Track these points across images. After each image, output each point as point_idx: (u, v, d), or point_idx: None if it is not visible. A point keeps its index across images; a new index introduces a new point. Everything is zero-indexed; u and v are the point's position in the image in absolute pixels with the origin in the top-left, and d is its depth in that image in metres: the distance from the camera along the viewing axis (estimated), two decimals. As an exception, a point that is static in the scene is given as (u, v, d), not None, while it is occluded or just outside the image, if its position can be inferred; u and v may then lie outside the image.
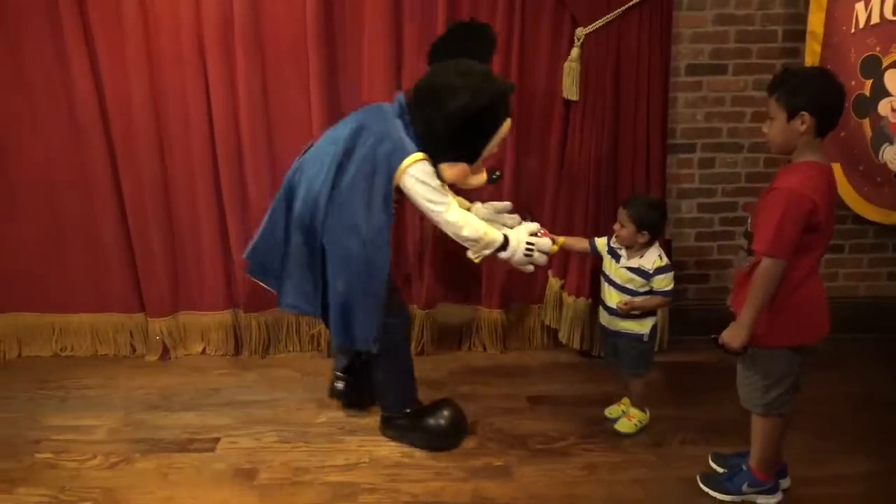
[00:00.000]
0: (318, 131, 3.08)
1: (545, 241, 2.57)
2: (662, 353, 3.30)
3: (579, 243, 2.78)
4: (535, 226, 2.61)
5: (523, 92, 3.09)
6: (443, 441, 2.67)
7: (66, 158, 3.17)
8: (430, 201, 2.38)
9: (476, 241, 2.46)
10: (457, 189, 2.68)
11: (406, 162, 2.34)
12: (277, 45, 3.07)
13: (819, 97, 2.00)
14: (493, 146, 2.46)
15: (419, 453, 2.65)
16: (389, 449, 2.68)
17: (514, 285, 3.37)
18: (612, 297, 2.69)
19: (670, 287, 2.62)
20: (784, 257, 2.01)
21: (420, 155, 2.36)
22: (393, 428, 2.72)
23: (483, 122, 2.36)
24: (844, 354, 3.24)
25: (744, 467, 2.36)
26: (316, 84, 3.07)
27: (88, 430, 2.82)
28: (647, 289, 2.63)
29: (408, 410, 2.70)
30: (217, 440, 2.74)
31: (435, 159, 2.40)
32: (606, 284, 2.71)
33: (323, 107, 3.09)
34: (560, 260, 3.23)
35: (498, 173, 2.67)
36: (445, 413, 2.68)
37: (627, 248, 2.66)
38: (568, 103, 3.12)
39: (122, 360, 3.40)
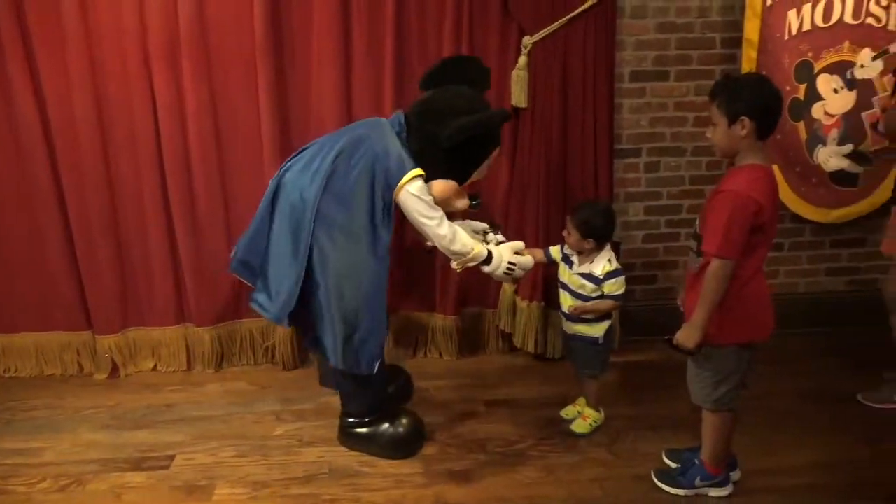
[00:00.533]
0: (268, 141, 3.09)
1: (527, 260, 2.66)
2: (614, 353, 3.36)
3: (536, 255, 2.81)
4: (520, 244, 2.69)
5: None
6: (402, 449, 2.67)
7: (7, 173, 3.08)
8: (424, 215, 2.45)
9: (464, 254, 2.53)
10: None
11: (405, 178, 2.41)
12: (225, 56, 3.04)
13: (758, 102, 2.08)
14: (481, 171, 2.58)
15: (379, 462, 2.64)
16: (349, 458, 2.67)
17: (468, 291, 3.40)
18: (566, 302, 2.74)
19: (621, 291, 2.68)
20: (733, 258, 2.09)
21: (418, 171, 2.43)
22: (351, 437, 2.71)
23: (481, 144, 2.49)
24: (787, 349, 3.36)
25: (696, 462, 2.43)
26: (265, 93, 3.05)
27: (37, 452, 2.73)
28: (598, 293, 2.68)
29: (367, 419, 2.69)
30: (172, 457, 2.69)
31: (427, 176, 2.47)
32: (562, 290, 2.76)
33: (272, 116, 3.07)
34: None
35: (478, 200, 2.76)
36: (404, 421, 2.69)
37: (578, 253, 2.71)
38: (517, 111, 3.16)
39: (69, 380, 3.30)
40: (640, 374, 3.28)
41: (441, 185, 2.49)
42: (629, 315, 3.45)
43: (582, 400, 2.89)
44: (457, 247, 2.50)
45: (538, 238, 3.19)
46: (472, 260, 2.55)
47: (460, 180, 2.54)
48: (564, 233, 2.72)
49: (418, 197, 2.42)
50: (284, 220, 2.50)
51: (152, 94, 3.03)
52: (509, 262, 2.59)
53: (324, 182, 2.43)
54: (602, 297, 2.68)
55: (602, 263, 2.66)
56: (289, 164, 2.59)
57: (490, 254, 2.58)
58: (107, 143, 3.08)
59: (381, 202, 2.43)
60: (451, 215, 2.74)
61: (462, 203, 2.62)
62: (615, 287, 2.66)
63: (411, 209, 2.44)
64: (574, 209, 2.72)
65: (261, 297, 2.59)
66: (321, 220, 2.43)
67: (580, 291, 2.69)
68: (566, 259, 2.75)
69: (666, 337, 2.24)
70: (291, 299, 2.49)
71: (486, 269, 2.59)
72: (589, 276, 2.67)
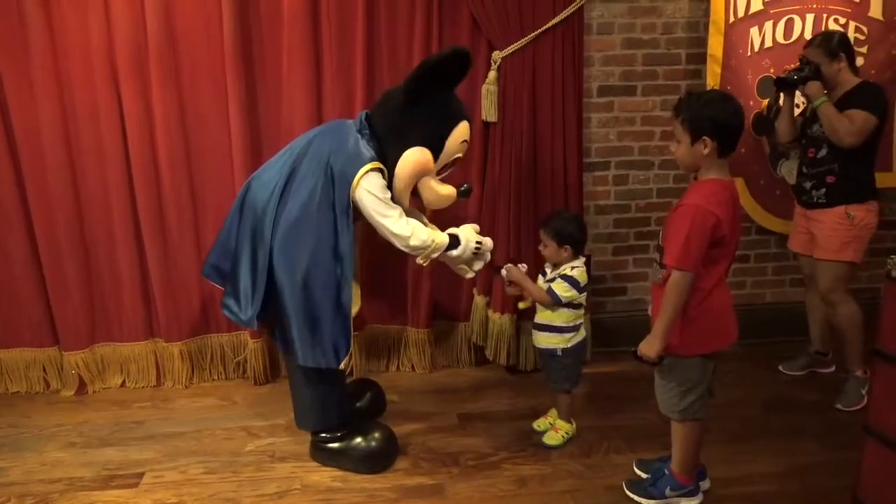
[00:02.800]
0: (238, 154, 3.09)
1: (488, 240, 2.69)
2: (586, 364, 3.39)
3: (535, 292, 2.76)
4: (476, 226, 2.70)
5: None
6: (375, 463, 2.66)
7: (-31, 187, 3.03)
8: (380, 213, 2.42)
9: (424, 248, 2.50)
10: (430, 214, 2.74)
11: (360, 173, 2.38)
12: (194, 68, 3.04)
13: (719, 121, 2.12)
14: (453, 144, 2.50)
15: (351, 477, 2.63)
16: (321, 474, 2.66)
17: (441, 304, 3.41)
18: (539, 314, 2.76)
19: (564, 294, 2.65)
20: (692, 270, 2.12)
21: (374, 164, 2.40)
22: (323, 452, 2.70)
23: (442, 101, 2.44)
24: (755, 358, 3.44)
25: (666, 472, 2.45)
26: (234, 106, 3.05)
27: (1, 472, 2.68)
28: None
29: (339, 434, 2.68)
30: (141, 475, 2.66)
31: (397, 151, 2.42)
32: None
33: (242, 129, 3.07)
34: (484, 277, 3.29)
35: (467, 185, 2.66)
36: (376, 435, 2.68)
37: (554, 266, 2.74)
38: (487, 125, 3.19)
39: (35, 397, 3.25)
40: (611, 385, 3.30)
41: (414, 158, 2.42)
42: (600, 326, 3.49)
43: (554, 412, 2.91)
44: (414, 242, 2.47)
45: (509, 250, 3.22)
46: (435, 250, 2.53)
47: (435, 149, 2.47)
48: (540, 247, 2.74)
49: (374, 195, 2.39)
50: (247, 224, 2.51)
51: (120, 107, 3.02)
52: (476, 243, 2.60)
53: (283, 185, 2.44)
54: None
55: (566, 268, 2.69)
56: (259, 169, 2.61)
57: (455, 237, 2.57)
58: (73, 156, 3.06)
59: (339, 200, 2.40)
60: (440, 211, 2.74)
61: (446, 190, 2.56)
62: (561, 288, 2.65)
63: (368, 207, 2.41)
64: (545, 221, 2.75)
65: (230, 302, 2.58)
66: (281, 222, 2.43)
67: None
68: (542, 272, 2.79)
69: (632, 349, 2.27)
70: (258, 302, 2.48)
71: (454, 252, 2.58)
72: (551, 279, 2.70)
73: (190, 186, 3.15)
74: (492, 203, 3.25)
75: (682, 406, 2.30)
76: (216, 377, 3.38)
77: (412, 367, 3.46)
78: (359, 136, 2.47)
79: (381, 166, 2.43)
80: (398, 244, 2.49)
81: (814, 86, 2.91)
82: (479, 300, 3.37)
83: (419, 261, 2.58)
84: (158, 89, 3.00)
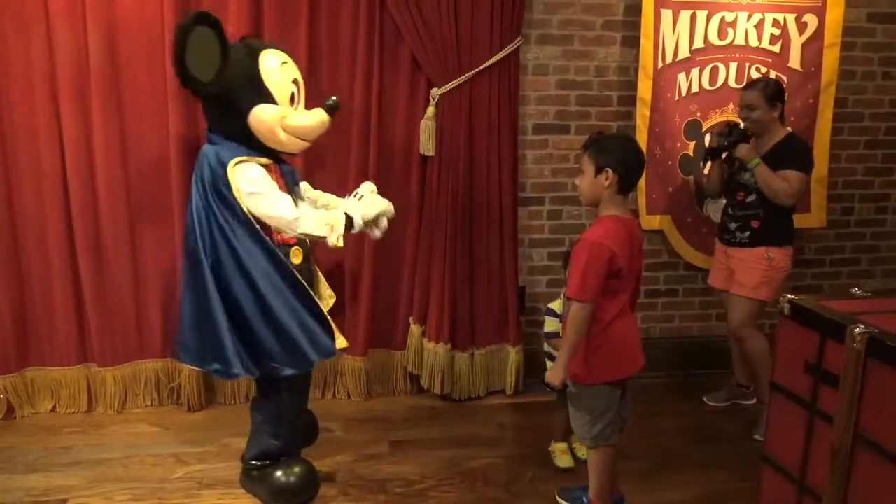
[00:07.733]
0: (177, 181, 3.11)
1: (373, 205, 2.58)
2: (518, 394, 3.50)
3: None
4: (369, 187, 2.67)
5: (383, 147, 3.26)
6: (290, 498, 2.63)
7: None
8: (256, 195, 2.39)
9: (321, 236, 2.46)
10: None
11: (230, 176, 2.37)
12: (135, 92, 3.08)
13: (621, 157, 2.27)
14: (273, 79, 2.44)
15: (278, 504, 2.65)
16: (246, 501, 2.66)
17: (377, 332, 3.46)
18: None
19: None
20: (590, 300, 2.23)
21: (235, 160, 2.40)
22: (248, 479, 2.69)
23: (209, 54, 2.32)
24: (681, 389, 3.55)
25: (584, 500, 2.53)
26: (175, 131, 3.09)
27: (-82, 498, 2.64)
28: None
29: (267, 462, 2.67)
30: (64, 501, 2.63)
31: (243, 126, 2.43)
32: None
33: (181, 156, 3.09)
34: (420, 307, 3.36)
35: (334, 98, 2.58)
36: (296, 470, 2.63)
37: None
38: (425, 159, 3.29)
39: (-40, 422, 3.20)
40: (541, 414, 3.36)
41: (263, 118, 2.42)
42: (534, 356, 3.56)
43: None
44: (309, 227, 2.43)
45: (444, 282, 3.29)
46: (335, 230, 2.46)
47: (265, 98, 2.42)
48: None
49: (256, 192, 2.39)
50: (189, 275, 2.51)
51: (60, 131, 3.03)
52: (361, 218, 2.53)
53: (194, 217, 2.44)
54: None
55: None
56: None
57: (348, 216, 2.51)
58: (10, 178, 3.06)
59: (242, 214, 2.39)
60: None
61: (312, 118, 2.52)
62: None
63: (255, 209, 2.40)
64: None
65: (216, 366, 2.49)
66: (218, 263, 2.44)
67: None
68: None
69: (541, 377, 2.36)
70: (236, 349, 2.45)
71: (354, 231, 2.54)
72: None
73: (128, 211, 3.16)
74: (429, 235, 3.33)
75: (593, 433, 2.38)
76: (149, 403, 3.36)
77: (348, 394, 3.49)
78: (216, 146, 2.46)
79: (245, 158, 2.41)
80: (287, 229, 2.45)
81: (744, 148, 3.03)
82: (415, 329, 3.43)
83: (331, 242, 2.48)
84: (99, 114, 3.02)
